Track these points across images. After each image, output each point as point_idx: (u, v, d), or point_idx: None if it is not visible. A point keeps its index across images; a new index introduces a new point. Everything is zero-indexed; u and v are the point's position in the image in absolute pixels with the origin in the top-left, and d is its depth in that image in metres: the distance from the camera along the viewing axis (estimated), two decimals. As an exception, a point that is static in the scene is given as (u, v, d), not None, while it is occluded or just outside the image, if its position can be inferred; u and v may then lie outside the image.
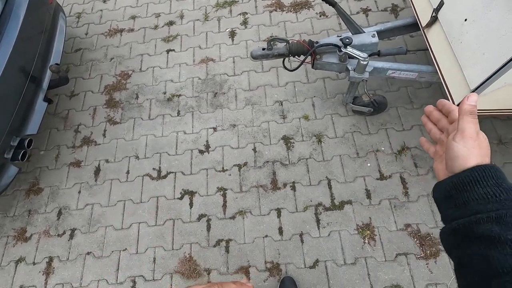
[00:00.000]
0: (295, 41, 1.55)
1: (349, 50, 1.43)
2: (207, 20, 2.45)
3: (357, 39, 1.52)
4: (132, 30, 2.50)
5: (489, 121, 1.80)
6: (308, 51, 1.53)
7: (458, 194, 0.43)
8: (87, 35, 2.54)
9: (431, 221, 1.61)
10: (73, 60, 2.41)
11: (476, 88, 1.18)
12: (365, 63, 1.44)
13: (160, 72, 2.28)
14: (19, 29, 1.68)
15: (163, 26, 2.48)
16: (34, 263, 1.75)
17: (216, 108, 2.08)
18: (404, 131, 1.85)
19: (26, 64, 1.72)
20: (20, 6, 1.75)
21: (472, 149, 0.43)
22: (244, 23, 2.39)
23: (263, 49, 1.60)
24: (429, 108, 0.53)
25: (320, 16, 2.33)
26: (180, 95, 2.16)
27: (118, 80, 2.29)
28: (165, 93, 2.19)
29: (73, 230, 1.81)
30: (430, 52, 1.48)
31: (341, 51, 1.47)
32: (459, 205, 0.43)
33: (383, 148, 1.82)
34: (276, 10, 2.41)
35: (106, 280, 1.66)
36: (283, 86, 2.10)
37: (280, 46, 1.60)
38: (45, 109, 1.83)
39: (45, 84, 1.86)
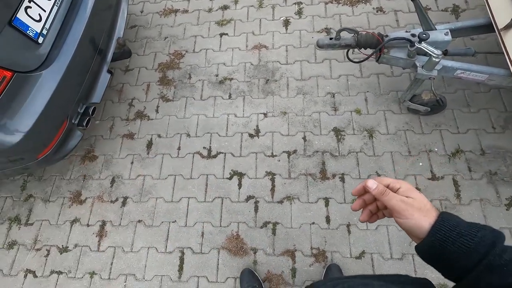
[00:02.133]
0: (365, 32, 1.54)
1: (424, 45, 1.41)
2: (262, 7, 2.46)
3: (430, 36, 1.50)
4: (186, 11, 2.54)
5: None
6: (378, 43, 1.52)
7: (438, 257, 0.46)
8: (142, 13, 2.60)
9: (482, 226, 1.59)
10: (129, 36, 2.48)
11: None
12: (437, 60, 1.43)
13: (213, 54, 2.32)
14: (92, 2, 1.74)
15: (217, 10, 2.50)
16: (88, 225, 1.85)
17: (267, 94, 2.11)
18: (459, 134, 1.83)
19: (96, 37, 1.79)
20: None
21: (415, 216, 0.47)
22: (299, 12, 2.39)
23: (331, 38, 1.60)
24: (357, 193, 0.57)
25: (377, 11, 2.30)
26: (232, 78, 2.20)
27: (172, 59, 2.34)
28: (217, 75, 2.23)
29: (125, 198, 1.89)
30: (506, 54, 1.45)
31: (413, 46, 1.46)
32: (447, 267, 0.45)
33: (436, 149, 1.81)
34: (332, 2, 2.40)
35: (156, 248, 1.74)
36: (336, 79, 2.10)
37: (347, 37, 1.60)
38: (108, 80, 1.90)
39: (109, 56, 1.93)
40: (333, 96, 2.04)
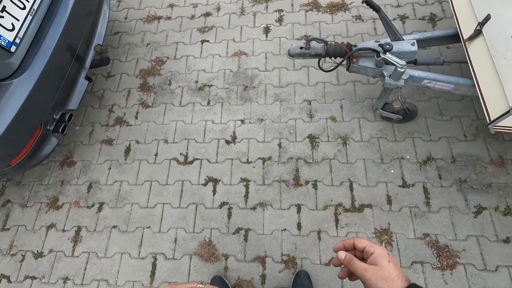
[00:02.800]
0: (334, 43, 1.57)
1: (388, 56, 1.44)
2: (243, 14, 2.49)
3: (397, 46, 1.53)
4: (169, 18, 2.57)
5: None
6: (346, 53, 1.55)
7: None
8: (126, 19, 2.63)
9: (450, 233, 1.61)
10: (112, 42, 2.51)
11: (516, 105, 1.18)
12: (402, 70, 1.45)
13: (194, 61, 2.34)
14: (69, 10, 1.77)
15: (199, 17, 2.54)
16: (63, 230, 1.86)
17: (245, 101, 2.14)
18: (431, 142, 1.85)
19: (73, 44, 1.82)
20: (72, -13, 1.83)
21: (378, 285, 0.49)
22: (279, 20, 2.42)
23: (301, 47, 1.63)
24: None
25: (356, 20, 2.33)
26: (211, 85, 2.22)
27: (153, 65, 2.37)
28: (197, 82, 2.25)
29: (101, 204, 1.91)
30: (470, 65, 1.48)
31: (379, 56, 1.49)
32: None
33: (408, 157, 1.83)
34: (312, 10, 2.43)
35: (129, 254, 1.76)
36: (313, 86, 2.13)
37: (318, 46, 1.63)
38: (85, 87, 1.93)
39: (88, 63, 1.95)
40: (310, 103, 2.07)
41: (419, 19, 2.27)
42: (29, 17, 1.60)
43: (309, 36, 2.31)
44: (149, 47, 2.46)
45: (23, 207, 1.96)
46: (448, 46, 2.10)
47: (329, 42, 1.58)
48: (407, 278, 0.50)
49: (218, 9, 2.55)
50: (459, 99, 1.94)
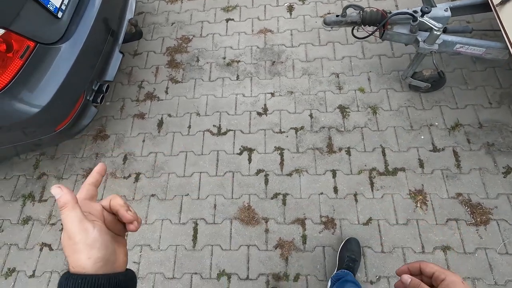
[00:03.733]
0: (369, 9, 1.63)
1: (426, 19, 1.51)
2: (266, -6, 2.54)
3: (431, 12, 1.59)
4: (192, -2, 2.61)
5: (543, 106, 1.85)
6: (382, 20, 1.61)
7: None
8: (148, 0, 2.66)
9: (482, 192, 1.69)
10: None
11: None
12: (438, 33, 1.52)
13: (220, 39, 2.38)
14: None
15: (222, -3, 2.58)
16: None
17: (274, 75, 2.19)
18: (458, 109, 1.92)
19: (109, 16, 1.84)
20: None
21: None
22: (302, -2, 2.48)
23: (337, 16, 1.68)
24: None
25: (377, -3, 2.40)
26: (239, 61, 2.27)
27: (179, 43, 2.40)
28: (224, 58, 2.30)
29: (138, 174, 1.94)
30: (502, 29, 1.55)
31: (416, 20, 1.55)
32: None
33: (436, 123, 1.90)
34: (334, -11, 2.48)
35: (170, 220, 1.79)
36: (340, 60, 2.19)
37: (353, 14, 1.68)
38: (120, 59, 1.95)
39: (122, 36, 1.98)
40: (337, 76, 2.13)
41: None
42: (72, -14, 1.62)
43: (333, 13, 2.37)
44: (174, 26, 2.49)
45: (59, 179, 1.98)
46: (468, 21, 2.18)
47: (365, 9, 1.63)
48: None
49: (241, -11, 2.59)
50: (482, 70, 2.02)
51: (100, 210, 0.43)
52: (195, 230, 1.75)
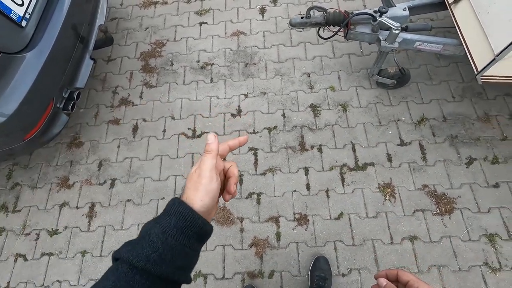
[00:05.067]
0: (332, 11, 1.69)
1: (384, 19, 1.57)
2: (238, -3, 2.58)
3: (390, 12, 1.66)
4: (165, 3, 2.62)
5: (501, 98, 1.95)
6: (344, 19, 1.67)
7: None
8: (122, 5, 2.66)
9: (446, 183, 1.76)
10: (109, 28, 2.53)
11: (500, 53, 1.33)
12: (397, 32, 1.58)
13: (194, 42, 2.41)
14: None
15: (195, 1, 2.60)
16: (77, 207, 1.88)
17: (247, 77, 2.22)
18: (423, 104, 2.00)
19: (78, 22, 1.84)
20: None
21: None
22: (274, 0, 2.52)
23: (302, 17, 1.73)
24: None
25: (346, -2, 2.47)
26: (213, 64, 2.30)
27: (153, 48, 2.41)
28: (198, 61, 2.32)
29: (113, 180, 1.95)
30: (456, 26, 1.63)
31: (376, 20, 1.61)
32: None
33: (403, 118, 1.97)
34: (304, -10, 2.54)
35: (146, 224, 1.80)
36: (311, 60, 2.24)
37: (318, 15, 1.74)
38: (91, 66, 1.95)
39: (92, 42, 1.98)
40: (309, 76, 2.18)
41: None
42: (36, -6, 1.62)
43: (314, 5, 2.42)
44: (148, 31, 2.50)
45: (33, 189, 1.96)
46: (432, 19, 2.27)
47: (328, 10, 1.69)
48: None
49: (214, -8, 2.62)
50: (446, 65, 2.10)
51: (222, 169, 0.53)
52: (171, 233, 1.76)
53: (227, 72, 2.25)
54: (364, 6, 2.42)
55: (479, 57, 1.45)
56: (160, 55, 2.38)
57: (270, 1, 2.53)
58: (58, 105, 1.76)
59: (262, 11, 2.49)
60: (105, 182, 1.94)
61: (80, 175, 1.98)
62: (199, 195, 0.45)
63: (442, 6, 1.82)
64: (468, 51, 1.53)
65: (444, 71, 2.09)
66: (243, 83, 2.20)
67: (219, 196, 0.51)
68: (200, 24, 2.48)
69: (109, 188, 1.92)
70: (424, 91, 2.04)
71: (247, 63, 2.27)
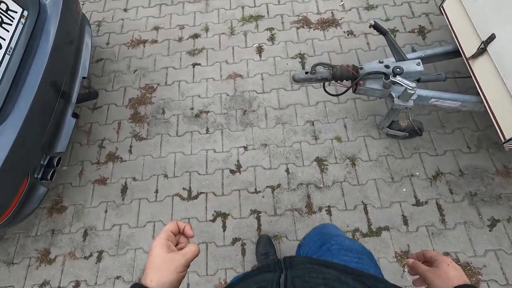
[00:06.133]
0: (339, 66, 1.53)
1: (398, 79, 1.42)
2: (233, 34, 2.42)
3: (403, 67, 1.51)
4: (155, 41, 2.44)
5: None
6: (353, 75, 1.52)
7: None
8: (108, 45, 2.47)
9: (469, 250, 1.61)
10: (95, 70, 2.34)
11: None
12: (412, 92, 1.44)
13: (187, 86, 2.23)
14: (51, 44, 1.61)
15: (187, 39, 2.43)
16: None
17: (246, 126, 2.05)
18: (437, 156, 1.85)
19: (57, 80, 1.66)
20: (51, 19, 1.68)
21: (435, 282, 0.59)
22: (271, 39, 2.37)
23: (306, 72, 1.57)
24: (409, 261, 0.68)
25: (348, 35, 2.33)
26: (208, 111, 2.12)
27: (143, 93, 2.23)
28: (192, 108, 2.14)
29: (100, 252, 1.74)
30: (475, 82, 1.49)
31: (388, 78, 1.47)
32: None
33: (417, 173, 1.82)
34: (303, 27, 2.40)
35: (138, 307, 1.60)
36: (314, 106, 2.08)
37: (323, 70, 1.58)
38: (73, 125, 1.76)
39: (74, 99, 1.79)
40: (313, 124, 2.02)
41: (409, 31, 2.30)
42: (7, 57, 1.43)
43: (304, 54, 2.28)
44: (136, 74, 2.32)
45: (9, 265, 1.74)
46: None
47: (335, 66, 1.53)
48: (466, 279, 0.58)
49: (207, 29, 2.46)
50: (458, 111, 1.97)
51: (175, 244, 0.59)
52: (167, 318, 1.57)
53: (224, 121, 2.08)
54: (368, 43, 2.28)
55: (507, 125, 1.31)
56: (151, 102, 2.19)
57: (267, 39, 2.37)
58: (35, 176, 1.56)
59: (260, 50, 2.33)
60: (91, 255, 1.74)
61: (62, 247, 1.77)
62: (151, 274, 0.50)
63: (456, 54, 1.69)
64: (493, 114, 1.39)
65: (457, 117, 1.95)
66: (241, 133, 2.03)
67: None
68: (193, 65, 2.31)
69: (96, 263, 1.72)
70: (437, 141, 1.90)
71: (245, 110, 2.10)
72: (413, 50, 2.20)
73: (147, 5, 2.61)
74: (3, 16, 1.44)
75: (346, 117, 2.03)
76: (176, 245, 0.57)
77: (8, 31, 1.45)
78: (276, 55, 2.30)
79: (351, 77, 1.53)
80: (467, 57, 1.53)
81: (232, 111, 2.11)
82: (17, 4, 1.52)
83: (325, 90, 1.64)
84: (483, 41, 1.41)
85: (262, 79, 2.22)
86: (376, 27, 1.44)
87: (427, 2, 2.40)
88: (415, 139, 1.91)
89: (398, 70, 1.41)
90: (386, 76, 1.47)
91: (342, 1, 2.47)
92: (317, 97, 2.11)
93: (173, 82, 2.26)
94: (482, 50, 1.43)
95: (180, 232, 0.59)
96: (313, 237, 1.03)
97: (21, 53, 1.50)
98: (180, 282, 0.52)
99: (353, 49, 2.27)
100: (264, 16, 2.47)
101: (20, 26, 1.52)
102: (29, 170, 1.48)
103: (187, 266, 0.53)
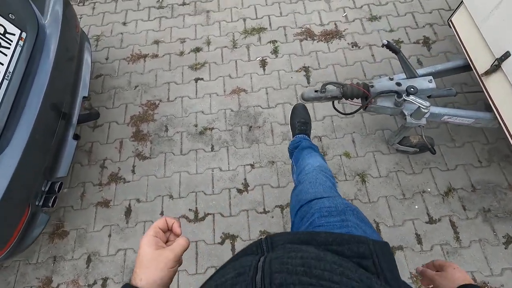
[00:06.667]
0: (350, 85, 1.50)
1: (412, 98, 1.38)
2: (236, 48, 2.38)
3: (415, 84, 1.48)
4: (156, 56, 2.39)
5: (533, 162, 1.79)
6: (364, 94, 1.48)
7: None
8: (107, 60, 2.41)
9: (485, 269, 1.57)
10: (94, 87, 2.28)
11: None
12: (426, 111, 1.40)
13: (190, 102, 2.18)
14: (51, 67, 1.55)
15: (189, 53, 2.38)
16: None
17: (252, 143, 2.00)
18: (448, 171, 1.82)
19: (58, 102, 1.60)
20: (51, 39, 1.62)
21: (442, 284, 0.65)
22: (275, 51, 2.33)
23: (316, 91, 1.53)
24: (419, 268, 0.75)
25: (352, 47, 2.30)
26: (212, 128, 2.07)
27: (145, 110, 2.17)
28: (196, 125, 2.09)
29: (105, 280, 1.67)
30: (489, 98, 1.46)
31: (400, 97, 1.43)
32: None
33: (429, 189, 1.79)
34: (306, 39, 2.37)
35: (146, 337, 1.54)
36: (321, 120, 2.04)
37: (333, 88, 1.54)
38: (74, 147, 1.70)
39: (75, 120, 1.73)
40: (320, 140, 1.98)
41: (414, 43, 2.28)
42: (5, 82, 1.37)
43: (309, 67, 2.24)
44: (137, 90, 2.26)
45: (10, 295, 1.67)
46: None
47: (345, 85, 1.50)
48: (470, 280, 0.62)
49: (208, 43, 2.41)
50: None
51: (164, 241, 0.57)
52: None
53: (229, 138, 2.03)
54: (372, 55, 2.26)
55: (525, 145, 1.28)
56: (153, 119, 2.13)
57: (270, 52, 2.33)
58: (36, 203, 1.49)
59: (263, 63, 2.29)
60: (95, 282, 1.67)
61: (65, 275, 1.70)
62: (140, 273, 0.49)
63: (466, 68, 1.66)
64: (508, 131, 1.36)
65: (466, 131, 1.92)
66: (247, 150, 1.98)
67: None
68: (196, 80, 2.26)
69: (101, 291, 1.65)
70: (448, 155, 1.86)
71: (251, 126, 2.06)
72: (419, 62, 2.18)
73: (147, 18, 2.56)
74: (0, 40, 1.38)
75: (354, 132, 1.99)
76: (166, 242, 0.55)
77: (6, 55, 1.39)
78: (280, 69, 2.26)
79: (362, 95, 1.49)
80: (479, 73, 1.50)
81: (237, 128, 2.06)
82: (15, 26, 1.46)
83: (334, 108, 1.61)
84: (497, 58, 1.38)
85: (267, 93, 2.17)
86: (389, 46, 1.41)
87: (430, 12, 2.38)
88: (425, 154, 1.87)
89: (412, 90, 1.37)
90: (399, 94, 1.43)
91: (345, 12, 2.44)
92: (323, 112, 2.07)
93: (175, 98, 2.20)
94: (496, 67, 1.40)
95: (169, 229, 0.56)
96: (295, 206, 0.97)
97: (20, 77, 1.44)
98: (171, 278, 0.50)
99: (358, 61, 2.24)
100: (266, 28, 2.44)
101: (19, 49, 1.46)
102: (30, 199, 1.41)
103: (177, 261, 0.51)
